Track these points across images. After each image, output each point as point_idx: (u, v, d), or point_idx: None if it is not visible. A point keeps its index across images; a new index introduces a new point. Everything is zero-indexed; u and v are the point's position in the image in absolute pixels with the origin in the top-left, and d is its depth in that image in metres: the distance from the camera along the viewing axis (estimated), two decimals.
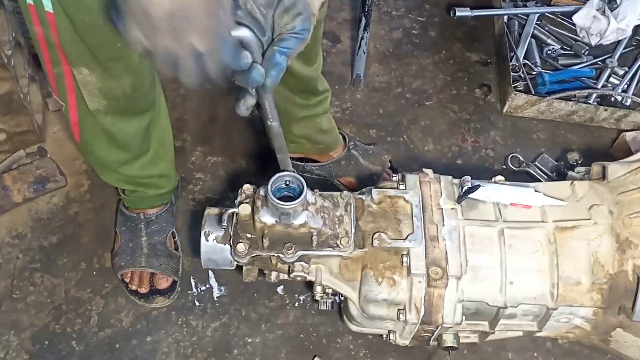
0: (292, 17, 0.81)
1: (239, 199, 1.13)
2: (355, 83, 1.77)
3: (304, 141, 1.48)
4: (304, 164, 1.56)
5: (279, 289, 1.45)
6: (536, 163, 1.67)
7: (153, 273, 1.39)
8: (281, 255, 1.09)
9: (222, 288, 1.44)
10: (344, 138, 1.56)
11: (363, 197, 1.18)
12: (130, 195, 1.39)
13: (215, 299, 1.43)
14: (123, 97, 1.11)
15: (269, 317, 1.41)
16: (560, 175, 1.61)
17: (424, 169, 1.24)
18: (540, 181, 1.62)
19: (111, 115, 1.15)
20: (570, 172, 1.35)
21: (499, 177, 1.22)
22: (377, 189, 1.19)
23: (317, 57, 1.32)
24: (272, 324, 1.41)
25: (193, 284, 1.44)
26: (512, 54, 1.78)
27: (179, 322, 1.39)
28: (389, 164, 1.59)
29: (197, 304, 1.42)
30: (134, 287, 1.39)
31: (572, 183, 1.22)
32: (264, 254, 1.10)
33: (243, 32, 0.80)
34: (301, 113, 1.40)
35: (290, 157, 1.23)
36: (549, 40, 1.85)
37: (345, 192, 1.16)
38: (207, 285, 1.44)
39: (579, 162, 1.63)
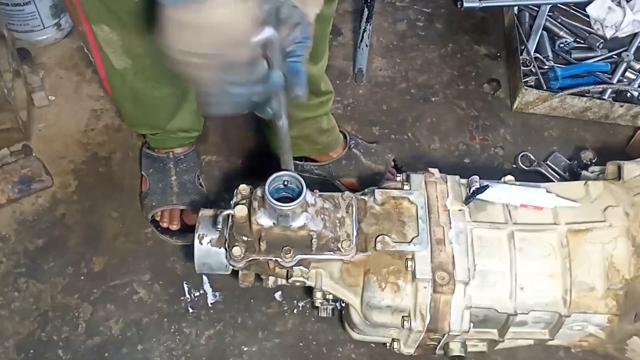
0: (290, 28, 0.85)
1: (234, 199, 1.13)
2: (357, 78, 1.77)
3: (301, 142, 1.48)
4: (303, 163, 1.56)
5: (277, 295, 1.45)
6: (548, 162, 1.67)
7: (182, 210, 1.47)
8: (279, 260, 1.09)
9: (217, 294, 1.44)
10: (344, 136, 1.56)
11: (365, 198, 1.18)
12: (157, 136, 1.46)
13: (210, 305, 1.43)
14: (148, 56, 1.15)
15: (267, 325, 1.41)
16: (573, 175, 1.61)
17: (430, 169, 1.24)
18: (552, 181, 1.62)
19: (141, 77, 1.21)
20: (583, 172, 1.35)
21: (509, 177, 1.22)
22: (381, 190, 1.19)
23: (323, 55, 1.33)
24: (270, 332, 1.41)
25: (186, 289, 1.44)
26: (523, 47, 1.78)
27: (172, 330, 1.39)
28: (393, 163, 1.59)
29: (190, 310, 1.42)
30: (165, 225, 1.47)
31: (585, 183, 1.22)
32: (261, 258, 1.10)
33: (268, 32, 0.80)
34: (301, 114, 1.40)
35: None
36: (561, 33, 1.85)
37: (346, 192, 1.16)
38: (201, 291, 1.44)
39: (593, 161, 1.62)
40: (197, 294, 1.44)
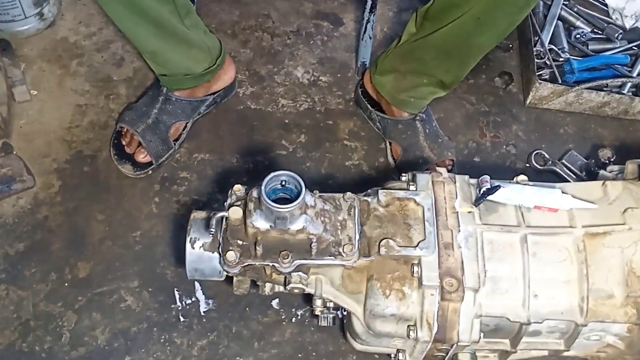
0: None
1: (229, 201, 1.13)
2: (359, 71, 1.77)
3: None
4: (372, 111, 1.64)
5: (274, 303, 1.45)
6: (563, 161, 1.67)
7: (140, 143, 1.56)
8: (276, 265, 1.09)
9: (210, 301, 1.44)
10: (421, 112, 1.60)
11: (368, 199, 1.18)
12: (159, 70, 1.54)
13: (202, 313, 1.43)
14: None
15: (263, 334, 1.41)
16: (590, 174, 1.61)
17: (438, 168, 1.24)
18: (568, 181, 1.62)
19: None
20: (601, 171, 1.35)
21: (522, 177, 1.22)
22: (385, 190, 1.19)
23: None
24: (267, 342, 1.41)
25: (177, 296, 1.44)
26: (537, 38, 1.78)
27: (162, 340, 1.40)
28: (450, 164, 1.58)
29: (181, 319, 1.42)
30: (123, 142, 1.58)
31: (603, 183, 1.22)
32: (257, 263, 1.10)
33: None
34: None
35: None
36: (577, 23, 1.85)
37: (348, 193, 1.16)
38: (193, 299, 1.44)
39: (612, 159, 1.62)
40: (188, 301, 1.44)
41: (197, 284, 1.45)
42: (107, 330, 1.40)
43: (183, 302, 1.44)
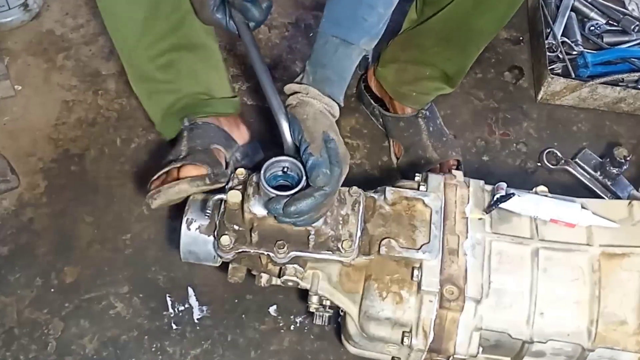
0: None
1: (230, 184, 1.13)
2: (361, 66, 1.75)
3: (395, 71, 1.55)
4: (375, 107, 1.65)
5: (272, 310, 1.45)
6: (577, 160, 1.66)
7: (181, 167, 1.31)
8: (271, 254, 1.09)
9: (204, 308, 1.45)
10: (426, 109, 1.60)
11: (375, 196, 1.18)
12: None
13: (196, 321, 1.43)
14: None
15: (260, 343, 1.42)
16: (605, 174, 1.60)
17: (453, 171, 1.23)
18: (581, 180, 1.62)
19: None
20: (633, 191, 1.32)
21: (542, 188, 1.21)
22: (392, 189, 1.18)
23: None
24: (264, 351, 1.41)
25: (169, 303, 1.45)
26: (549, 30, 1.78)
27: (153, 349, 1.40)
28: (456, 164, 1.58)
29: (174, 327, 1.42)
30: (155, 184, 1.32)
31: (630, 203, 1.19)
32: (252, 251, 1.10)
33: None
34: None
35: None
36: (592, 14, 1.85)
37: (354, 188, 1.15)
38: (186, 305, 1.45)
39: (628, 158, 1.62)
40: (181, 308, 1.44)
41: (190, 290, 1.46)
42: (95, 339, 1.40)
43: (176, 309, 1.44)
